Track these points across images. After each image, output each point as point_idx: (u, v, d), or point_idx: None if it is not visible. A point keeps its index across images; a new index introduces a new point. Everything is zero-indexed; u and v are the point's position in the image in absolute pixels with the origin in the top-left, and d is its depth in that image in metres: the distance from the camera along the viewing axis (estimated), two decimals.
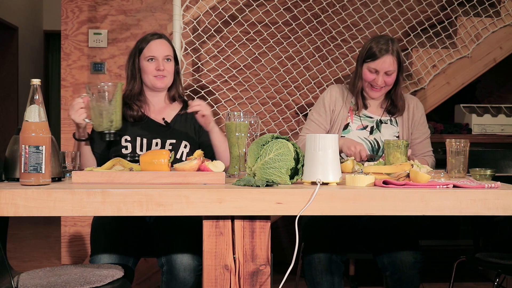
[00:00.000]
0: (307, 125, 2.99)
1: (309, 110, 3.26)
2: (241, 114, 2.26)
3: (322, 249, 2.56)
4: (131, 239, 2.51)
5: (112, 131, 2.39)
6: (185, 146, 2.76)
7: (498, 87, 5.02)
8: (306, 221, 2.72)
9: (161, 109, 2.82)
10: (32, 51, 8.51)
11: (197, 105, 2.59)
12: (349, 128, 2.91)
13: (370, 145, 2.88)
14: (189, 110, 2.63)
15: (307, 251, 2.60)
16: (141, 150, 2.67)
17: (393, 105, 2.93)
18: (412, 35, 4.16)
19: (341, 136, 2.90)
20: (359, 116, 2.93)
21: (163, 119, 2.78)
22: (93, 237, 2.57)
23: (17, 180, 1.90)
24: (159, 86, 2.75)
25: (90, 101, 2.39)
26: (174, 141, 2.73)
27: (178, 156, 2.73)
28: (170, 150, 2.71)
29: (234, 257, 1.88)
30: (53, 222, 5.95)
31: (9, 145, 1.97)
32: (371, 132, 2.91)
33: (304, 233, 2.68)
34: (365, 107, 2.95)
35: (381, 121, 2.93)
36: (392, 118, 2.94)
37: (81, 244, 4.24)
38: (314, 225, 2.67)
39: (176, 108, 2.85)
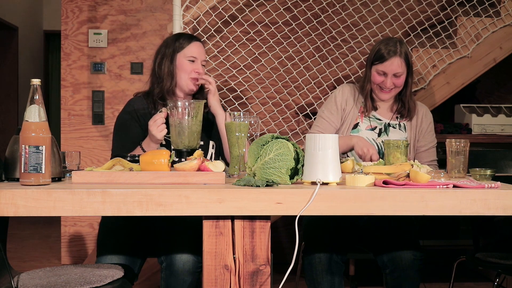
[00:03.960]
0: (318, 122, 2.99)
1: (301, 116, 3.24)
2: (241, 114, 2.26)
3: (323, 249, 2.56)
4: (137, 241, 2.50)
5: (190, 150, 2.33)
6: (213, 147, 2.77)
7: (498, 87, 5.02)
8: (307, 221, 2.72)
9: None
10: (32, 51, 8.51)
11: (209, 80, 2.69)
12: (359, 128, 2.92)
13: (377, 147, 2.88)
14: (200, 82, 2.69)
15: (307, 251, 2.60)
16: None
17: (404, 107, 2.94)
18: (412, 35, 4.16)
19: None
20: (369, 117, 2.94)
21: None
22: (100, 239, 2.55)
23: (17, 180, 1.90)
24: (193, 89, 2.76)
25: (171, 118, 2.34)
26: (202, 143, 2.72)
27: (208, 157, 2.73)
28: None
29: (234, 257, 1.88)
30: (53, 222, 5.95)
31: (9, 145, 1.97)
32: (379, 135, 2.92)
33: (304, 233, 2.69)
34: (375, 109, 2.96)
35: (389, 125, 2.93)
36: (401, 122, 2.95)
37: (81, 244, 4.24)
38: (314, 225, 2.67)
39: None
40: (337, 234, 2.64)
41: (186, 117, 2.32)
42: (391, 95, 2.91)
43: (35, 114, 1.85)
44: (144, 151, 2.52)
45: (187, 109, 2.31)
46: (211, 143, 2.77)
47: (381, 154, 2.88)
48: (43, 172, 1.83)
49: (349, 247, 2.74)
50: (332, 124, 2.95)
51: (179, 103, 2.32)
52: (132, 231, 2.50)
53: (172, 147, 2.35)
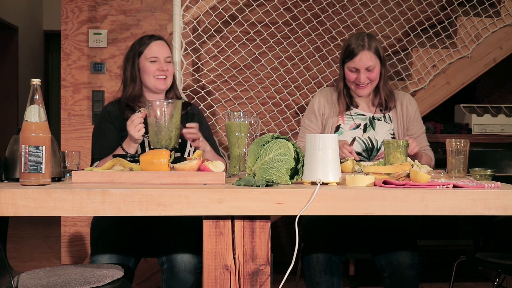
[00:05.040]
0: (301, 132, 2.99)
1: (301, 116, 3.23)
2: (241, 114, 2.26)
3: (322, 249, 2.56)
4: (131, 240, 2.51)
5: (170, 148, 2.34)
6: (191, 146, 2.77)
7: (498, 87, 5.02)
8: (306, 221, 2.71)
9: None
10: (32, 51, 8.50)
11: (191, 133, 2.59)
12: (341, 130, 2.89)
13: (364, 144, 2.86)
14: (186, 137, 2.61)
15: (306, 251, 2.59)
16: None
17: (382, 99, 2.92)
18: (412, 35, 4.16)
19: None
20: (351, 115, 2.92)
21: None
22: (93, 237, 2.57)
23: (17, 180, 1.90)
24: (161, 88, 2.76)
25: (149, 117, 2.37)
26: (179, 140, 2.73)
27: (186, 155, 2.75)
28: (177, 151, 2.72)
29: (234, 257, 1.88)
30: (53, 222, 5.95)
31: (9, 145, 1.97)
32: (364, 131, 2.89)
33: (304, 233, 2.68)
34: (356, 106, 2.95)
35: (374, 118, 2.92)
36: (385, 114, 2.93)
37: (81, 244, 4.24)
38: (313, 225, 2.67)
39: None
40: (336, 234, 2.63)
41: (163, 117, 2.34)
42: (369, 90, 2.89)
43: (35, 114, 1.85)
44: (126, 151, 2.54)
45: (163, 109, 2.34)
46: (189, 142, 2.78)
47: (368, 151, 2.86)
48: (43, 172, 1.83)
49: (349, 247, 2.74)
50: (314, 131, 2.93)
51: (157, 103, 2.34)
52: (125, 230, 2.51)
53: (152, 147, 2.38)
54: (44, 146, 1.84)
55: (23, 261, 4.61)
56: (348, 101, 2.93)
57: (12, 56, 7.81)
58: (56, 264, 4.45)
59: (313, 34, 4.17)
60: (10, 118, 7.76)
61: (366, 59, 2.81)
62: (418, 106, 3.02)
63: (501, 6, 4.05)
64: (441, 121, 4.55)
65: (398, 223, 2.62)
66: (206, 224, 1.87)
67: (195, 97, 4.01)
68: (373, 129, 2.89)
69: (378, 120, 2.91)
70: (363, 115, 2.92)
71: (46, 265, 4.41)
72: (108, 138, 2.70)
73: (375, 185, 1.95)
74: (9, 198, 1.73)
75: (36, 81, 1.87)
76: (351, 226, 2.73)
